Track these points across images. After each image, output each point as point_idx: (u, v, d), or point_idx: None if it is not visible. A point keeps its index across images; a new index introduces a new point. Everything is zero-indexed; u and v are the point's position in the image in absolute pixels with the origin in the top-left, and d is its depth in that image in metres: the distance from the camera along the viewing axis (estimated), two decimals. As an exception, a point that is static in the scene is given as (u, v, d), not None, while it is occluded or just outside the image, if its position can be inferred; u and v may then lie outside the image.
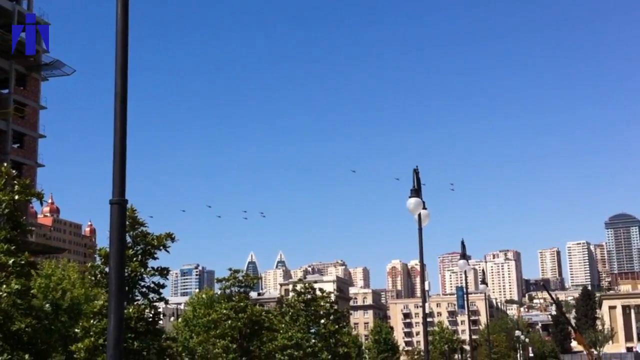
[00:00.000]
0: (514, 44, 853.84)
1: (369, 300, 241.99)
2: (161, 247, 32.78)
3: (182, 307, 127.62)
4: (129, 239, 31.98)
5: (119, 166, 9.97)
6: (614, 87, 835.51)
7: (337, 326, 51.11)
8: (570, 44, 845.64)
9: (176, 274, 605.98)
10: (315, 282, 66.17)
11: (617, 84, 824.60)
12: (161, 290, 33.20)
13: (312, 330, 47.57)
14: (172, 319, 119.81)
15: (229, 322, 36.24)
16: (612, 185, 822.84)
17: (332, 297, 58.89)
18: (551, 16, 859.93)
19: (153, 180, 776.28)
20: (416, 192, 26.68)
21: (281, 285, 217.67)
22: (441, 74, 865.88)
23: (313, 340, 46.56)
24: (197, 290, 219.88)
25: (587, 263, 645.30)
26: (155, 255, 32.91)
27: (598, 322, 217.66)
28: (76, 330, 33.25)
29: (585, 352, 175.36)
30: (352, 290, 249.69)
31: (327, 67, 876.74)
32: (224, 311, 38.09)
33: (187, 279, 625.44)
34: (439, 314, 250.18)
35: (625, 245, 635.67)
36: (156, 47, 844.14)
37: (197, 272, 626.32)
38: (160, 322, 34.43)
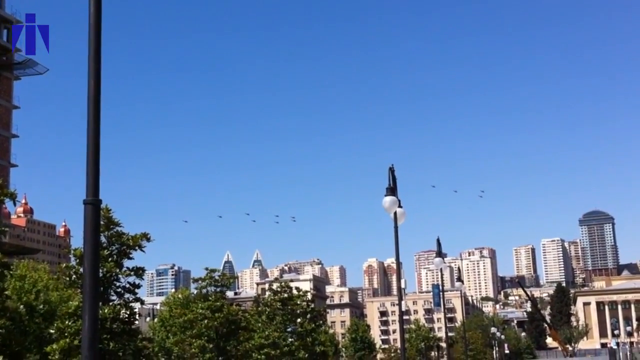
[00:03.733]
0: (486, 43, 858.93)
1: (345, 299, 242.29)
2: (137, 247, 32.61)
3: (158, 307, 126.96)
4: (103, 239, 31.79)
5: (92, 166, 9.92)
6: (588, 85, 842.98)
7: (313, 325, 51.14)
8: (537, 42, 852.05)
9: (152, 274, 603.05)
10: (292, 281, 66.22)
11: (591, 82, 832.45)
12: (137, 291, 33.04)
13: (289, 329, 47.55)
14: (148, 319, 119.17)
15: (205, 321, 36.11)
16: (586, 182, 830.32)
17: (309, 296, 58.90)
18: (516, 16, 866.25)
19: (130, 180, 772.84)
20: (392, 190, 26.76)
21: (258, 284, 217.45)
22: (416, 73, 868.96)
23: (290, 339, 46.53)
24: (173, 290, 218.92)
25: (562, 260, 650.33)
26: (131, 256, 32.73)
27: (572, 319, 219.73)
28: (51, 331, 33.01)
29: (560, 348, 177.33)
30: (328, 289, 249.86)
31: (303, 67, 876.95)
32: (200, 311, 37.97)
33: (163, 279, 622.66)
34: (416, 311, 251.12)
35: (599, 242, 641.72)
36: (142, 47, 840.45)
37: (173, 272, 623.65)
38: (136, 322, 34.26)
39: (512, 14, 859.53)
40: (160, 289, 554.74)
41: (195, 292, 57.42)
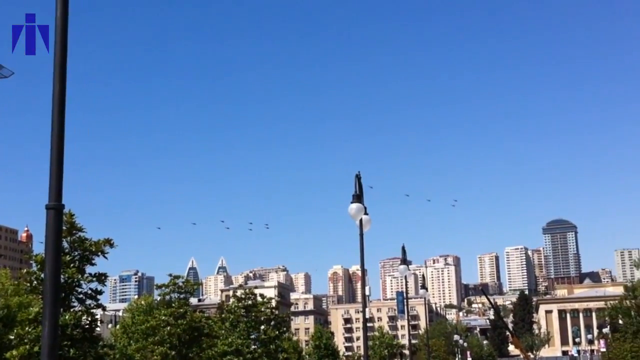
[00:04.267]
0: (455, 55, 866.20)
1: (310, 306, 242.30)
2: (99, 253, 32.31)
3: (120, 313, 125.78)
4: (66, 245, 31.44)
5: (55, 170, 9.84)
6: (550, 98, 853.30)
7: (277, 332, 51.02)
8: (500, 56, 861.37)
9: (115, 280, 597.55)
10: (256, 287, 66.04)
11: (553, 92, 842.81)
12: (99, 297, 32.72)
13: (253, 336, 47.38)
14: (110, 326, 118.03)
15: (168, 328, 35.83)
16: (550, 191, 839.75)
17: (273, 303, 58.74)
18: (482, 31, 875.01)
19: (95, 186, 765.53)
20: (358, 197, 26.84)
21: (222, 291, 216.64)
22: (379, 82, 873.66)
23: (253, 346, 46.35)
24: (136, 296, 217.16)
25: (525, 268, 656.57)
26: (93, 261, 32.42)
27: (535, 326, 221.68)
28: (10, 337, 32.59)
29: (522, 356, 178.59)
30: (293, 296, 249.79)
31: (272, 77, 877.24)
32: (163, 317, 37.65)
33: (126, 285, 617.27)
34: (380, 318, 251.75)
35: (562, 250, 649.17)
36: (109, 54, 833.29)
37: (136, 278, 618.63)
38: (98, 329, 33.90)
39: (480, 29, 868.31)
40: (123, 295, 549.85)
41: (158, 298, 57.06)
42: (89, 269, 32.48)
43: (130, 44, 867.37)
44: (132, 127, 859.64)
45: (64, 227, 29.28)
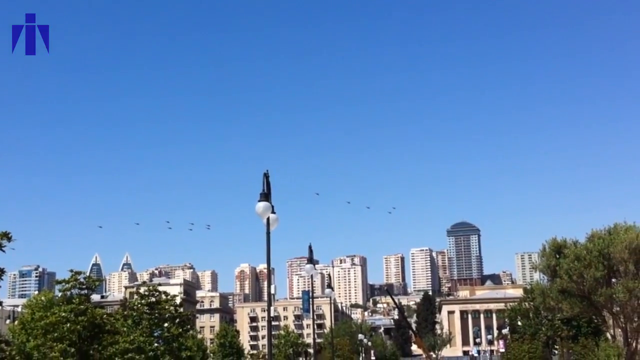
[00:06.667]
0: (364, 56, 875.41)
1: (216, 304, 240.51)
2: (-4, 247, 31.20)
3: (19, 309, 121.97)
4: (-40, 238, 30.26)
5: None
6: (455, 99, 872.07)
7: (181, 330, 50.34)
8: (423, 58, 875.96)
9: (14, 275, 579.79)
10: (160, 284, 65.04)
11: (458, 95, 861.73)
12: (-6, 292, 31.65)
13: (156, 334, 46.59)
14: (7, 321, 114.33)
15: (68, 325, 34.88)
16: (454, 194, 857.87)
17: (177, 300, 57.97)
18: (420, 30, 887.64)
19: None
20: (265, 196, 26.68)
21: (126, 287, 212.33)
22: (288, 82, 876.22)
23: (156, 344, 45.58)
24: (36, 292, 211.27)
25: (430, 269, 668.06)
26: (-10, 255, 31.29)
27: (437, 326, 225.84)
28: None
29: (424, 356, 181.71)
30: (199, 294, 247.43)
31: (195, 71, 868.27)
32: (63, 314, 36.64)
33: (26, 280, 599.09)
34: (286, 317, 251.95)
35: (465, 252, 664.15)
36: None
37: (37, 273, 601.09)
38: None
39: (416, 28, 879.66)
40: (23, 291, 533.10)
41: (59, 294, 55.61)
42: (-14, 263, 31.36)
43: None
44: (32, 117, 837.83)
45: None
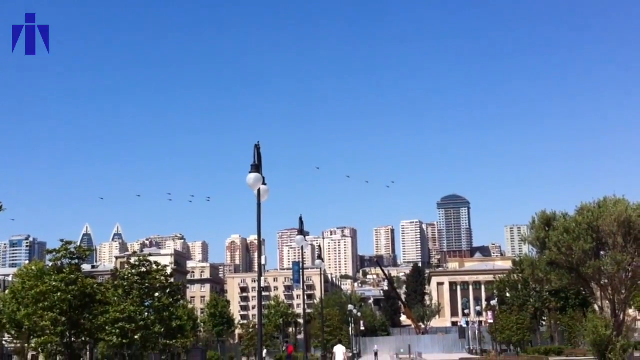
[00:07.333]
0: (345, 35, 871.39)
1: (206, 274, 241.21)
2: (-14, 216, 31.06)
3: (10, 279, 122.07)
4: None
5: None
6: (445, 71, 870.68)
7: (171, 300, 50.54)
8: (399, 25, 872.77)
9: (5, 245, 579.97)
10: (151, 255, 65.16)
11: (447, 68, 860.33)
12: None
13: (146, 304, 46.77)
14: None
15: (59, 294, 35.00)
16: (445, 167, 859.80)
17: (168, 271, 58.12)
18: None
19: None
20: (256, 167, 26.64)
21: (117, 258, 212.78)
22: (280, 50, 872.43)
23: (146, 314, 45.77)
24: (27, 262, 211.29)
25: (419, 241, 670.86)
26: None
27: (427, 298, 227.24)
28: None
29: (413, 326, 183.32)
30: (190, 264, 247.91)
31: (187, 41, 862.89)
32: (54, 283, 36.74)
33: (16, 250, 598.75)
34: (276, 288, 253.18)
35: (455, 224, 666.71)
36: None
37: (27, 243, 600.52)
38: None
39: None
40: (13, 260, 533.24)
41: (50, 264, 55.71)
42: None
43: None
44: (23, 88, 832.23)
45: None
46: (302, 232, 46.13)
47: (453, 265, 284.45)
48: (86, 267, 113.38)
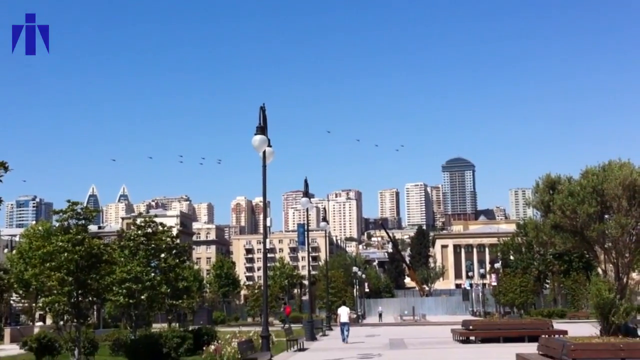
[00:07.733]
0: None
1: (212, 236, 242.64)
2: (-8, 176, 31.15)
3: (17, 239, 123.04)
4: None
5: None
6: (450, 31, 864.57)
7: (177, 260, 50.85)
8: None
9: (12, 205, 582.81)
10: (156, 216, 65.42)
11: (452, 27, 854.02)
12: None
13: (152, 264, 47.14)
14: (5, 250, 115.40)
15: (66, 254, 35.27)
16: (450, 130, 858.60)
17: (174, 232, 58.43)
18: None
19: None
20: (262, 129, 26.78)
21: (123, 219, 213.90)
22: (291, 15, 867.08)
23: (153, 274, 46.20)
24: (34, 222, 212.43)
25: (424, 204, 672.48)
26: (-13, 185, 31.26)
27: (431, 260, 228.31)
28: None
29: (417, 288, 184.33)
30: (195, 226, 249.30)
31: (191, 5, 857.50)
32: (60, 243, 37.07)
33: (23, 210, 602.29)
34: (281, 250, 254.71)
35: (460, 187, 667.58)
36: None
37: (34, 204, 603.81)
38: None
39: None
40: (20, 220, 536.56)
41: (56, 224, 56.26)
42: (-17, 193, 31.49)
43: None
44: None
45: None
46: (307, 194, 46.37)
47: (457, 228, 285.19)
48: (92, 228, 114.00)
